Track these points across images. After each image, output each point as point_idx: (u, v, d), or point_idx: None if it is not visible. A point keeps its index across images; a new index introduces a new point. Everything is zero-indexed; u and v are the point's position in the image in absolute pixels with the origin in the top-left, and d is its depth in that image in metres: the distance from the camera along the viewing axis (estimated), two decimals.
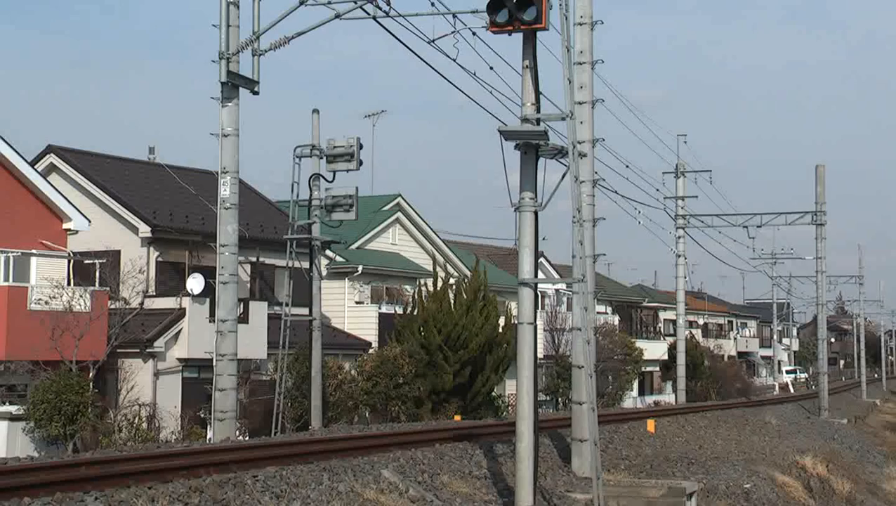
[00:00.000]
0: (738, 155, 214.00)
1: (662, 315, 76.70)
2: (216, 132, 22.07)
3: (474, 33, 20.09)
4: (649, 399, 63.61)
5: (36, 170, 32.43)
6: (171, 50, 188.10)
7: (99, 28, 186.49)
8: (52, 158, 35.86)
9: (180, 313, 32.24)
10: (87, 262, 31.05)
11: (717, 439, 31.95)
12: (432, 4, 20.56)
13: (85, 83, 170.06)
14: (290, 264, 27.66)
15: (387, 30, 21.18)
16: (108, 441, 25.49)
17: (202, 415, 29.28)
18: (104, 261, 31.00)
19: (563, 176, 15.58)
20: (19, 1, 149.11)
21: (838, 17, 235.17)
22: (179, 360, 32.15)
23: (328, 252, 40.37)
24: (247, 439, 25.06)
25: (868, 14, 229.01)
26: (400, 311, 39.03)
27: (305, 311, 28.48)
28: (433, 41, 20.41)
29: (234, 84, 22.03)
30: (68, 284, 30.11)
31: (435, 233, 48.21)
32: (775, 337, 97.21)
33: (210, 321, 27.63)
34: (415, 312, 37.25)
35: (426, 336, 35.94)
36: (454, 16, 20.18)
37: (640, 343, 61.05)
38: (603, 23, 22.08)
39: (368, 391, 32.93)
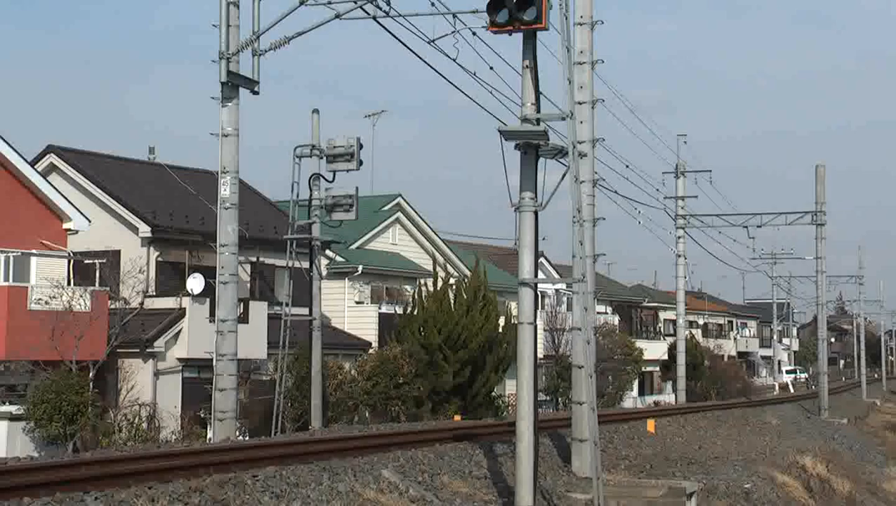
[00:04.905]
0: (738, 155, 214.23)
1: (662, 315, 76.69)
2: (216, 132, 22.07)
3: (474, 33, 20.11)
4: (649, 399, 63.63)
5: (36, 170, 32.44)
6: (171, 50, 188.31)
7: (100, 28, 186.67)
8: (52, 158, 35.85)
9: (180, 313, 32.23)
10: (87, 262, 31.05)
11: (717, 439, 31.93)
12: (432, 4, 20.57)
13: (86, 83, 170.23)
14: (290, 264, 27.65)
15: (387, 30, 21.21)
16: (108, 441, 25.49)
17: (202, 415, 29.27)
18: (104, 261, 30.99)
19: (563, 176, 15.58)
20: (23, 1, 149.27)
21: (841, 20, 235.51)
22: (179, 360, 32.15)
23: (328, 252, 40.36)
24: (247, 439, 25.06)
25: (870, 15, 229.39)
26: (400, 311, 39.01)
27: (305, 311, 28.48)
28: (433, 41, 20.41)
29: (234, 84, 22.02)
30: (68, 284, 30.10)
31: (435, 233, 48.20)
32: (775, 337, 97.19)
33: (210, 321, 27.62)
34: (415, 312, 37.23)
35: (426, 336, 35.93)
36: (454, 16, 20.19)
37: (640, 343, 61.07)
38: (603, 23, 22.03)
39: (368, 391, 32.92)
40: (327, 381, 30.29)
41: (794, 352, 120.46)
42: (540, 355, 34.09)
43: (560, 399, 46.60)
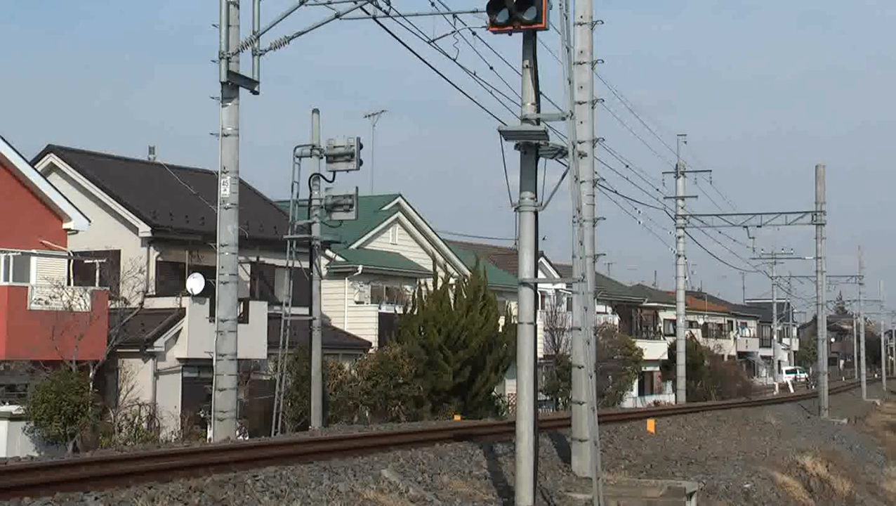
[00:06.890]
0: (738, 155, 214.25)
1: (662, 315, 76.70)
2: (216, 132, 22.07)
3: (474, 33, 20.12)
4: (649, 399, 63.67)
5: (36, 170, 32.45)
6: (172, 50, 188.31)
7: (101, 29, 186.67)
8: (52, 158, 35.86)
9: (180, 313, 32.23)
10: (87, 262, 31.05)
11: (717, 439, 31.92)
12: (432, 4, 20.58)
13: (87, 83, 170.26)
14: (290, 264, 27.66)
15: (387, 30, 21.22)
16: (108, 441, 25.49)
17: (202, 415, 29.27)
18: (104, 261, 31.00)
19: (563, 176, 15.56)
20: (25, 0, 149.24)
21: (842, 20, 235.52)
22: (179, 360, 32.15)
23: (328, 252, 40.36)
24: (247, 439, 25.06)
25: (872, 15, 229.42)
26: (400, 311, 39.01)
27: (305, 311, 28.47)
28: (433, 41, 20.42)
29: (234, 84, 22.01)
30: (68, 283, 30.10)
31: (435, 233, 48.20)
32: (775, 337, 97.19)
33: (210, 321, 27.63)
34: (415, 312, 37.23)
35: (426, 336, 35.92)
36: (454, 16, 20.20)
37: (640, 343, 61.07)
38: (603, 23, 21.98)
39: (368, 391, 32.92)
40: (327, 381, 30.29)
41: (794, 352, 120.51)
42: (540, 355, 34.09)
43: (560, 399, 46.59)
